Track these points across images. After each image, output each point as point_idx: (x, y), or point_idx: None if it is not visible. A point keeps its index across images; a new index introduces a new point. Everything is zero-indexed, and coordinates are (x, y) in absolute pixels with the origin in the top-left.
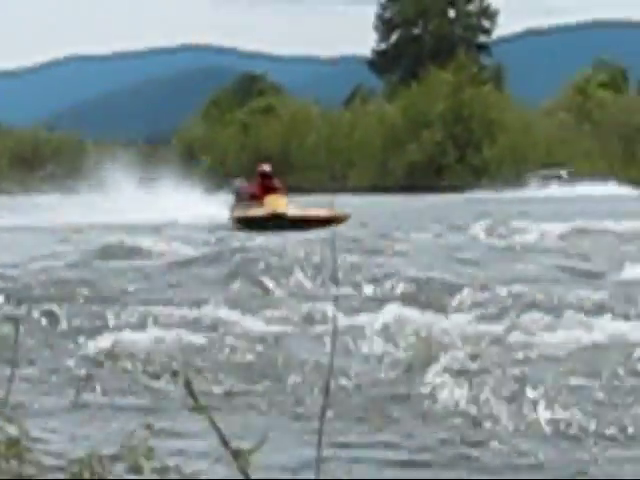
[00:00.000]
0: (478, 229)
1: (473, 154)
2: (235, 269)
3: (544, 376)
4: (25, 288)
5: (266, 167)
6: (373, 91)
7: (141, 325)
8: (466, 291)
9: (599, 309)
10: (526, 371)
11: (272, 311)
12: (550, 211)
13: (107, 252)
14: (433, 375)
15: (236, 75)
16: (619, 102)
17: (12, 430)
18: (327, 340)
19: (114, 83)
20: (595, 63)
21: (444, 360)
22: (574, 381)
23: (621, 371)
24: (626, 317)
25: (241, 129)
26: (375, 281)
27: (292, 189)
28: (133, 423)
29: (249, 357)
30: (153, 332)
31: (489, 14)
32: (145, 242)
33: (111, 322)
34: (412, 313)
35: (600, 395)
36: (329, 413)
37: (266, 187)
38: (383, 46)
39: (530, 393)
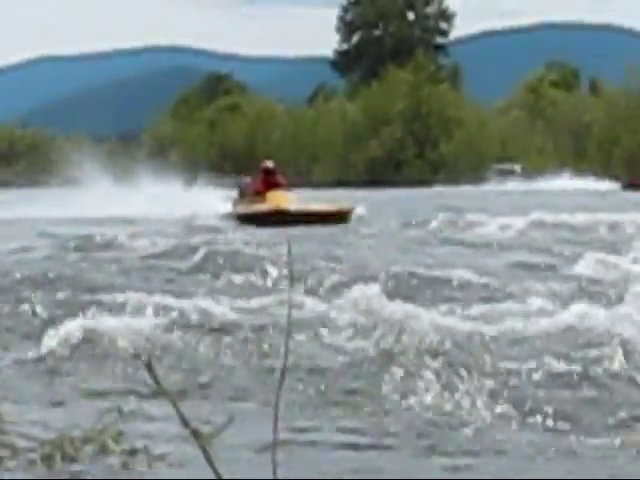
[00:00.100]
0: (438, 223)
1: (431, 150)
2: (203, 262)
3: (508, 365)
4: None
5: (269, 163)
6: (335, 90)
7: (111, 313)
8: (429, 283)
9: (556, 298)
10: (489, 360)
11: (239, 301)
12: (507, 205)
13: (81, 245)
14: (398, 366)
15: (203, 75)
16: (570, 100)
17: None
18: (288, 329)
19: (84, 82)
20: (547, 63)
21: (409, 352)
22: (535, 365)
23: (576, 356)
24: (583, 306)
25: (209, 126)
26: (336, 272)
27: None
28: (103, 407)
29: (217, 345)
30: (123, 320)
31: (446, 16)
32: (119, 235)
33: (82, 310)
34: (376, 304)
35: (557, 379)
36: (292, 398)
37: (269, 183)
38: (345, 47)
39: (494, 382)
